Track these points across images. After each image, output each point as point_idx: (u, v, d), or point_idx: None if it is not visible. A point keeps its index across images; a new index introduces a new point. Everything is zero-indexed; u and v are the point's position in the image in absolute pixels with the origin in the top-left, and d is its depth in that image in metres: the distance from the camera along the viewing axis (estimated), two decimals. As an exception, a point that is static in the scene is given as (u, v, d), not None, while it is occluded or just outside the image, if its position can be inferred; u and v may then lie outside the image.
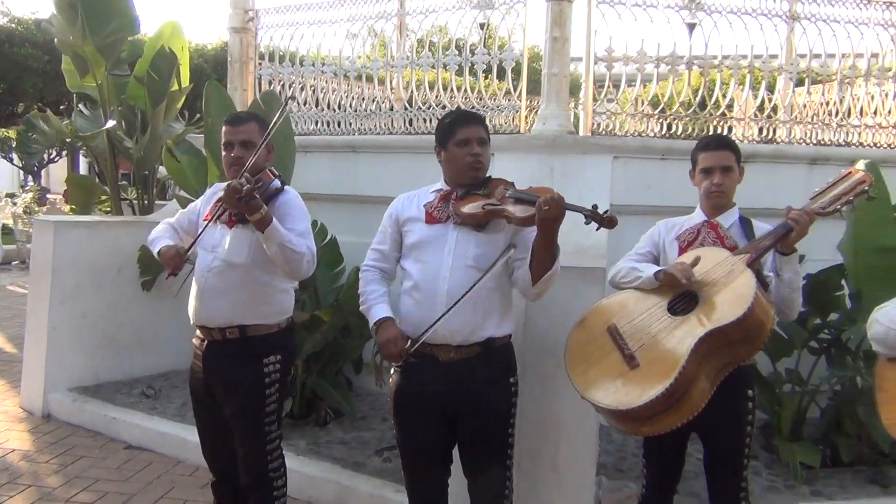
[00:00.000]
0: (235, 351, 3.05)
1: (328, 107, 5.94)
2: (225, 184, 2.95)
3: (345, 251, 5.11)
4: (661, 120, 5.09)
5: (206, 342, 3.11)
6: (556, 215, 2.61)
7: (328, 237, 5.12)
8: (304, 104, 6.06)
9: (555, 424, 3.43)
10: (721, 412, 2.74)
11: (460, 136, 2.87)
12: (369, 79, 5.91)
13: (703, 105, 5.23)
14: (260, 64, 6.26)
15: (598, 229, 2.72)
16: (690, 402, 2.59)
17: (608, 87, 4.97)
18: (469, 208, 2.79)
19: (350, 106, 5.87)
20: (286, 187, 3.12)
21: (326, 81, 5.93)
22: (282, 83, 6.12)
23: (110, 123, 7.40)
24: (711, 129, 5.19)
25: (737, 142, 5.14)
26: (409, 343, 2.80)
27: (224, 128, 3.12)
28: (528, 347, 3.45)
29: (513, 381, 2.95)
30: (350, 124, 5.82)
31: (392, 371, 3.02)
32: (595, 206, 2.68)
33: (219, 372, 3.08)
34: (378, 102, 5.74)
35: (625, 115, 5.01)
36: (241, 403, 3.06)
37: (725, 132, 5.20)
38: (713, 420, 2.73)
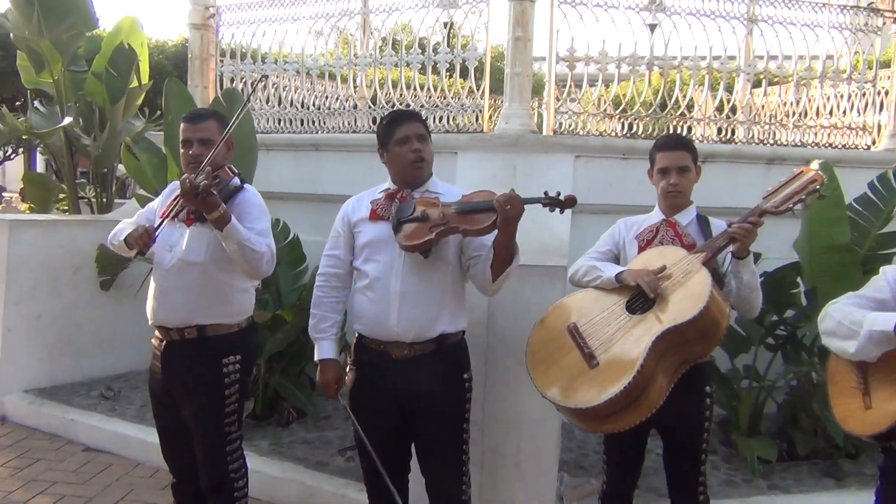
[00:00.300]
0: (194, 351, 3.02)
1: (291, 105, 5.90)
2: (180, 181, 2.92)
3: (307, 250, 5.08)
4: (622, 120, 5.15)
5: (164, 342, 3.08)
6: (518, 212, 2.65)
7: (291, 236, 5.09)
8: (267, 102, 6.01)
9: (517, 422, 3.45)
10: (680, 408, 2.78)
11: (399, 134, 2.89)
12: (332, 77, 5.88)
13: (663, 105, 5.30)
14: (221, 61, 6.19)
15: (562, 212, 2.77)
16: (649, 400, 2.63)
17: (570, 86, 4.99)
18: (416, 239, 2.75)
19: (313, 104, 5.84)
20: (245, 185, 3.10)
21: (289, 79, 5.89)
22: (244, 80, 6.06)
23: (67, 120, 7.28)
24: (671, 128, 5.26)
25: (696, 142, 5.26)
26: (343, 391, 3.01)
27: (183, 125, 3.08)
28: (491, 345, 3.47)
29: (466, 377, 2.97)
30: (313, 122, 5.79)
31: (348, 369, 3.04)
32: (546, 192, 2.71)
33: (178, 372, 3.05)
34: (341, 101, 5.70)
35: (587, 114, 5.06)
36: (201, 404, 3.04)
37: (685, 132, 5.28)
38: (672, 416, 2.77)
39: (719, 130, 5.54)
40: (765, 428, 4.64)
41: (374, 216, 2.94)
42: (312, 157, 5.48)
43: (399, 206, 2.87)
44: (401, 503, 2.93)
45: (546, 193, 2.75)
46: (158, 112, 7.86)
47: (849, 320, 2.26)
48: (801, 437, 4.42)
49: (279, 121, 5.94)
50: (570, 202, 2.73)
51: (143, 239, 2.92)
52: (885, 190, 4.37)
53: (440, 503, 3.00)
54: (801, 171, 2.81)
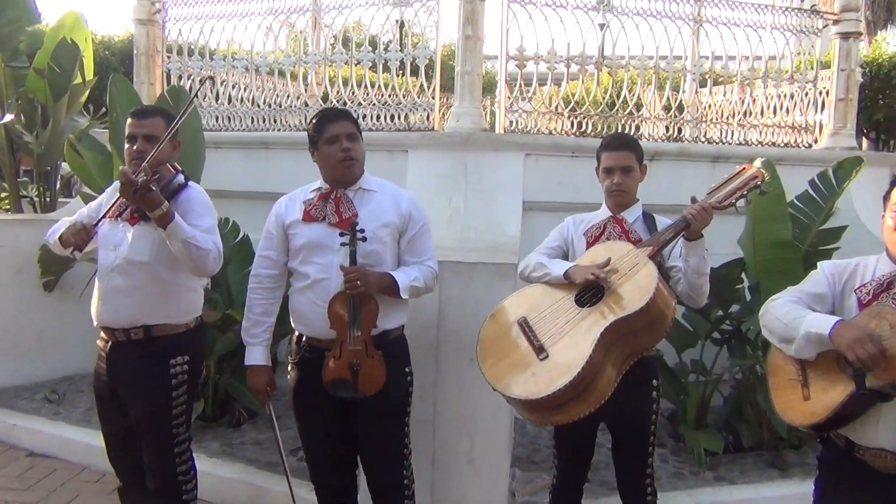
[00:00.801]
0: (141, 352, 2.98)
1: (240, 102, 5.83)
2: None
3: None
4: (571, 118, 5.20)
5: (110, 343, 3.02)
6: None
7: (240, 235, 5.02)
8: (216, 99, 5.93)
9: (469, 418, 3.47)
10: (627, 402, 2.83)
11: (329, 133, 2.90)
12: (282, 74, 5.82)
13: (612, 104, 5.37)
14: (168, 57, 6.08)
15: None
16: (597, 391, 2.67)
17: (520, 84, 5.03)
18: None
19: (263, 102, 5.77)
20: (190, 183, 3.05)
21: (237, 76, 5.81)
22: (191, 77, 5.97)
23: (8, 117, 7.08)
24: (620, 127, 5.33)
25: (644, 140, 5.35)
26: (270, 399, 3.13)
27: (129, 120, 3.04)
28: (442, 343, 3.48)
29: (408, 372, 3.02)
30: (263, 120, 5.73)
31: (290, 368, 3.05)
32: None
33: (124, 374, 3.00)
34: (291, 99, 5.65)
35: (537, 113, 5.10)
36: (148, 406, 2.99)
37: (633, 131, 5.36)
38: (620, 410, 2.82)
39: (667, 129, 5.64)
40: (711, 421, 4.73)
41: (308, 217, 2.94)
42: (262, 155, 5.42)
43: None
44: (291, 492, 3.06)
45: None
46: (104, 109, 7.68)
47: (788, 319, 2.31)
48: (747, 429, 4.53)
49: (229, 118, 5.86)
50: None
51: (81, 235, 2.87)
52: (826, 187, 4.49)
53: (382, 497, 3.02)
54: (743, 169, 2.89)
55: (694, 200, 2.83)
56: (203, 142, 4.91)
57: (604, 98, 5.31)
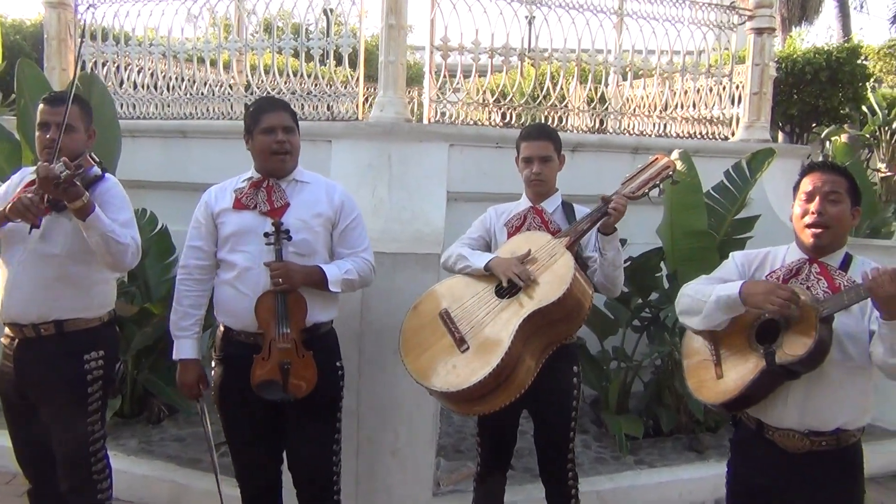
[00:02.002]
0: (52, 348, 2.86)
1: (157, 89, 5.65)
2: (35, 167, 2.73)
3: (177, 241, 4.88)
4: (496, 109, 5.23)
5: (17, 340, 2.89)
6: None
7: (158, 226, 4.89)
8: (133, 87, 5.73)
9: (394, 410, 3.47)
10: (548, 389, 2.88)
11: (265, 123, 2.86)
12: (202, 61, 5.67)
13: (535, 96, 5.42)
14: (81, 42, 5.84)
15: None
16: (518, 381, 2.71)
17: (444, 75, 5.02)
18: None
19: (181, 89, 5.61)
20: (106, 174, 2.94)
21: (155, 62, 5.63)
22: (105, 64, 5.76)
23: None
24: (544, 118, 5.38)
25: (567, 131, 5.42)
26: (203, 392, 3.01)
27: (41, 106, 2.92)
28: (365, 334, 3.47)
29: (339, 366, 3.00)
30: (182, 108, 5.57)
31: (213, 363, 2.98)
32: None
33: (34, 372, 2.87)
34: (210, 86, 5.51)
35: (462, 104, 5.10)
36: (61, 404, 2.88)
37: (556, 122, 5.42)
38: (541, 397, 2.87)
39: (591, 121, 5.73)
40: (633, 406, 4.85)
41: (239, 205, 2.89)
42: (181, 144, 5.27)
43: None
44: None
45: None
46: (12, 95, 7.35)
47: (699, 294, 2.40)
48: (666, 413, 4.66)
49: (146, 106, 5.67)
50: None
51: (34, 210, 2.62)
52: (740, 178, 4.64)
53: (311, 494, 2.99)
54: (656, 159, 2.95)
55: (604, 198, 2.88)
56: (118, 130, 4.74)
57: (528, 90, 5.35)
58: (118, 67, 5.73)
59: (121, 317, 4.32)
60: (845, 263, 2.32)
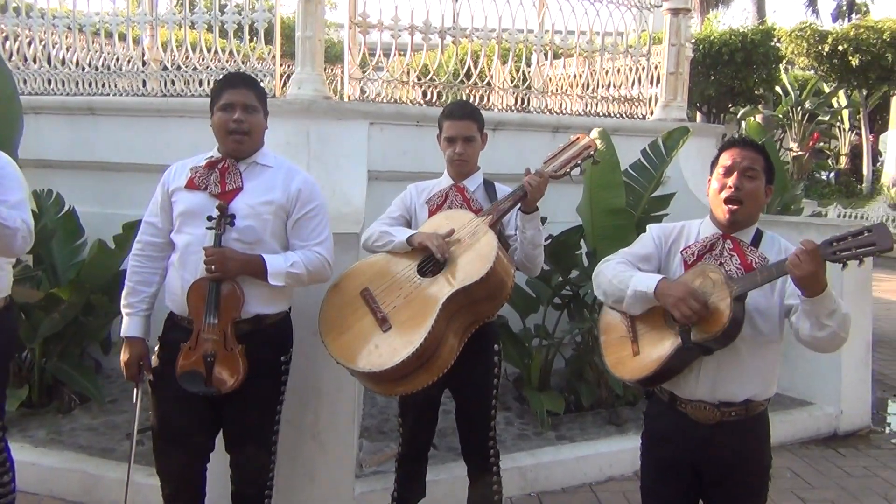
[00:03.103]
0: None
1: (63, 64, 5.38)
2: None
3: (86, 222, 4.70)
4: (419, 87, 5.18)
5: None
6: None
7: (65, 208, 4.68)
8: (34, 61, 5.45)
9: (313, 393, 3.41)
10: (469, 367, 2.87)
11: (224, 100, 2.72)
12: (110, 35, 5.43)
13: (457, 74, 5.39)
14: (-23, 13, 5.53)
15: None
16: (440, 360, 2.69)
17: (364, 53, 4.95)
18: None
19: (89, 64, 5.36)
20: None
21: (59, 36, 5.36)
22: (6, 36, 5.45)
23: None
24: (466, 97, 5.37)
25: (489, 110, 5.42)
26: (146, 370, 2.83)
27: None
28: (284, 316, 3.38)
29: (284, 360, 2.89)
30: (89, 84, 5.32)
31: (157, 348, 2.86)
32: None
33: None
34: (120, 61, 5.28)
35: (382, 81, 5.04)
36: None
37: (478, 101, 5.41)
38: (463, 376, 2.86)
39: (515, 100, 5.75)
40: (554, 383, 4.92)
41: (191, 185, 2.74)
42: (89, 121, 5.04)
43: None
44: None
45: None
46: None
47: (617, 279, 2.42)
48: (586, 389, 4.73)
49: (49, 82, 5.40)
50: None
51: None
52: (656, 156, 4.72)
53: (246, 484, 2.92)
54: (578, 138, 2.96)
55: (528, 172, 2.88)
56: (20, 107, 4.50)
57: (450, 68, 5.33)
58: (20, 41, 5.43)
59: (26, 303, 4.14)
60: (756, 239, 2.37)
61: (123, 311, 2.86)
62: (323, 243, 2.83)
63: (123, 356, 2.83)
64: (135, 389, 2.98)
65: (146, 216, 2.88)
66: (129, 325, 2.83)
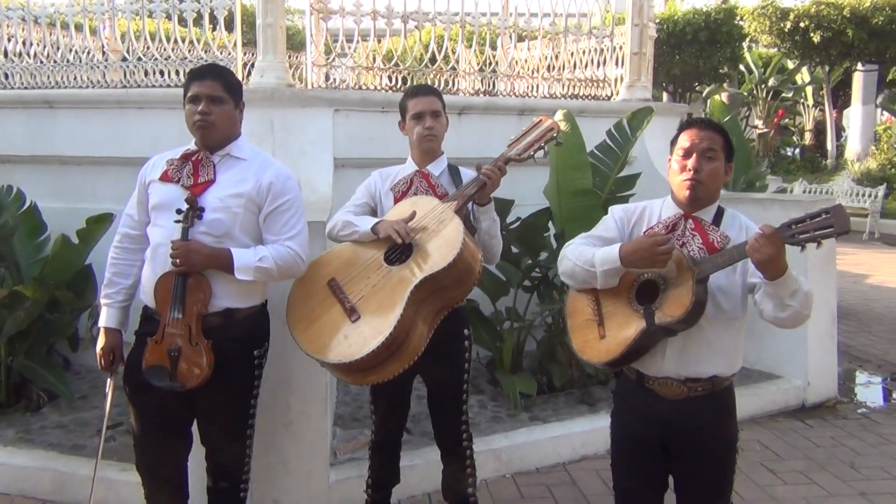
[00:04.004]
0: None
1: (19, 56, 5.27)
2: None
3: (48, 217, 4.62)
4: (385, 73, 5.15)
5: None
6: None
7: (26, 203, 4.60)
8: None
9: (284, 382, 3.40)
10: (439, 353, 2.88)
11: (191, 91, 2.68)
12: (66, 27, 5.32)
13: (421, 59, 5.37)
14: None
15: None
16: (411, 348, 2.69)
17: (326, 38, 4.90)
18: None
19: (46, 56, 5.25)
20: None
21: (14, 27, 5.24)
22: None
23: None
24: (431, 81, 5.34)
25: (456, 94, 5.41)
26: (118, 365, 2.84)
27: None
28: (253, 307, 3.36)
29: (257, 354, 2.86)
30: (47, 77, 5.22)
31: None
32: None
33: None
34: (78, 52, 5.18)
35: (344, 67, 5.00)
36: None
37: (442, 86, 5.39)
38: (433, 362, 2.87)
39: (482, 84, 5.74)
40: (527, 365, 4.95)
41: (165, 177, 2.72)
42: (47, 115, 4.95)
43: None
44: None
45: None
46: None
47: (582, 260, 2.43)
48: (558, 369, 4.76)
49: (6, 75, 5.29)
50: None
51: None
52: (621, 137, 4.74)
53: (221, 478, 2.91)
54: (540, 121, 2.96)
55: (480, 167, 2.88)
56: (-26, 101, 4.42)
57: (413, 53, 5.30)
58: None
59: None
60: (717, 217, 2.40)
61: (101, 301, 2.88)
62: (295, 238, 2.77)
63: (98, 345, 2.86)
64: (108, 380, 2.99)
65: (126, 208, 2.88)
66: (105, 315, 2.87)
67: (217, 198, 2.68)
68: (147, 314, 2.80)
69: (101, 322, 2.87)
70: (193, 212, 2.62)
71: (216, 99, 2.68)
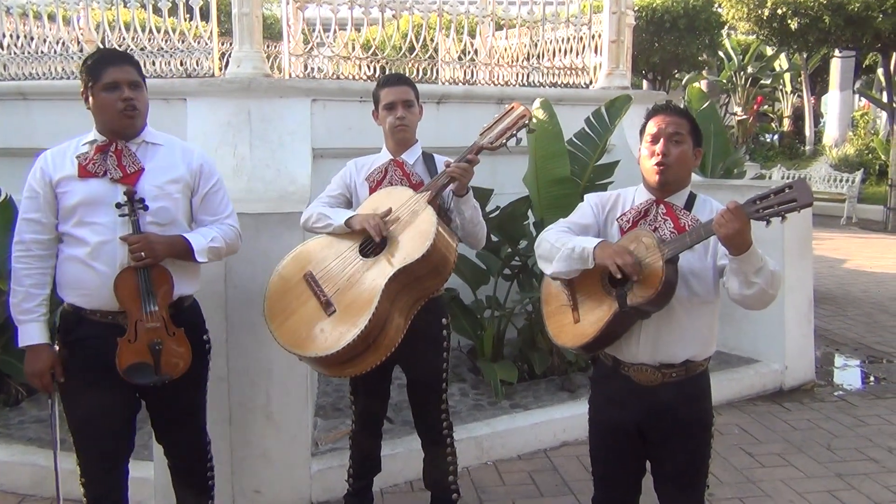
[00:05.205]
0: None
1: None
2: None
3: (24, 211, 4.57)
4: (365, 63, 5.13)
5: None
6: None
7: (1, 196, 4.54)
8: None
9: (264, 374, 3.40)
10: (418, 343, 2.89)
11: (108, 79, 2.55)
12: (39, 17, 5.26)
13: (399, 48, 5.35)
14: None
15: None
16: (387, 340, 2.70)
17: (303, 28, 4.87)
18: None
19: (19, 47, 5.19)
20: None
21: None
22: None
23: None
24: (410, 70, 5.33)
25: (434, 83, 5.39)
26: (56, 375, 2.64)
27: None
28: (231, 298, 3.36)
29: (206, 340, 2.86)
30: (20, 68, 5.16)
31: (58, 348, 2.69)
32: None
33: None
34: (51, 43, 5.11)
35: (323, 57, 4.98)
36: None
37: (422, 75, 5.38)
38: (412, 351, 2.88)
39: (462, 73, 5.74)
40: (507, 353, 4.97)
41: (85, 173, 2.59)
42: (21, 106, 4.89)
43: None
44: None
45: None
46: None
47: (560, 243, 2.45)
48: (539, 357, 4.79)
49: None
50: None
51: None
52: (599, 125, 4.75)
53: (183, 470, 2.92)
54: (512, 108, 2.96)
55: (447, 164, 2.88)
56: (-55, 94, 4.36)
57: (392, 42, 5.28)
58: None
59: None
60: (689, 202, 2.42)
61: (19, 318, 2.65)
62: (232, 215, 2.84)
63: (32, 366, 2.63)
64: (49, 400, 2.83)
65: (23, 213, 2.66)
66: (31, 332, 2.63)
67: (154, 186, 2.62)
68: (79, 317, 2.65)
69: (29, 340, 2.62)
70: (136, 203, 2.55)
71: (135, 84, 2.60)
